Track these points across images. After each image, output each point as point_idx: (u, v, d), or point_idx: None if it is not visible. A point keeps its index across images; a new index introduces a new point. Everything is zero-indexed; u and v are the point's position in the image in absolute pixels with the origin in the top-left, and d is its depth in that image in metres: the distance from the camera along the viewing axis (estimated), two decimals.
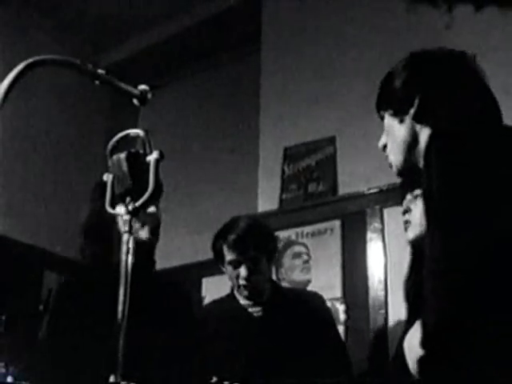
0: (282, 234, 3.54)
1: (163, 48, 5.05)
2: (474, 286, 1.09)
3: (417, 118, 1.44)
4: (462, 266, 1.11)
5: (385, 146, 1.57)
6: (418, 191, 1.97)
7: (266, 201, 3.85)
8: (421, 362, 1.15)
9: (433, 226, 1.22)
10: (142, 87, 1.33)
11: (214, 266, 4.47)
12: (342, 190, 3.60)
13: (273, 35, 4.25)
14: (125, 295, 1.20)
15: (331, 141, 3.73)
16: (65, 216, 4.69)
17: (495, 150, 1.26)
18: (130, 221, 1.26)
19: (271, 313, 2.45)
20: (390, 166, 1.53)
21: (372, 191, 3.40)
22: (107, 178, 1.34)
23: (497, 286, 1.10)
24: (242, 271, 2.42)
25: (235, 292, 2.53)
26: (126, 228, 1.25)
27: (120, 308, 1.20)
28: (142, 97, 1.33)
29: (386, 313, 3.13)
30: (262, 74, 4.20)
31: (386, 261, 3.24)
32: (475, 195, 1.18)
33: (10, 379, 2.23)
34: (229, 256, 2.45)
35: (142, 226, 1.98)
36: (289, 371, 2.25)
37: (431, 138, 1.36)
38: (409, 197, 2.04)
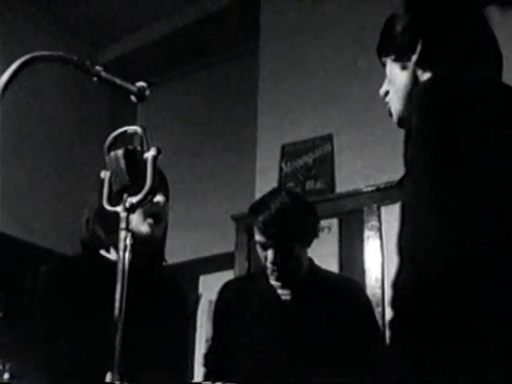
0: None
1: (162, 45, 5.05)
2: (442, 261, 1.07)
3: (419, 64, 1.38)
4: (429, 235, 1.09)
5: (386, 94, 1.48)
6: None
7: None
8: (390, 324, 1.14)
9: (405, 177, 1.18)
10: (140, 84, 1.33)
11: (210, 264, 4.48)
12: (340, 188, 3.60)
13: (271, 33, 4.24)
14: (121, 292, 1.20)
15: (329, 138, 3.73)
16: (62, 212, 4.69)
17: (483, 104, 1.20)
18: (127, 218, 1.25)
19: (301, 297, 2.23)
20: (390, 115, 1.45)
21: (369, 189, 3.40)
22: (104, 174, 1.34)
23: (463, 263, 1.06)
24: (269, 255, 2.17)
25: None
26: (123, 225, 1.25)
27: (117, 305, 1.19)
28: (140, 94, 1.32)
29: (383, 310, 3.13)
30: (260, 71, 4.20)
31: (383, 259, 3.25)
32: (449, 152, 1.12)
33: (6, 376, 2.23)
34: (257, 236, 2.19)
35: (145, 219, 1.85)
36: (314, 363, 2.09)
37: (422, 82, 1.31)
38: None
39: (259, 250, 2.24)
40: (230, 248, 3.93)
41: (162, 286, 1.95)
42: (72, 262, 2.00)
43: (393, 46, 1.45)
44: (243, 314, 2.26)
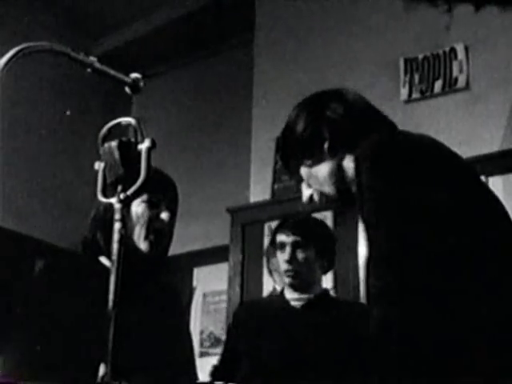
0: (274, 225, 3.54)
1: (156, 37, 5.03)
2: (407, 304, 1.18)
3: (333, 153, 1.49)
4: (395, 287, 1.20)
5: (311, 198, 1.57)
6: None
7: (259, 191, 3.85)
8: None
9: (369, 239, 1.28)
10: (134, 75, 1.32)
11: (205, 256, 4.48)
12: None
13: (266, 26, 4.23)
14: (116, 284, 1.19)
15: None
16: (57, 205, 4.68)
17: (412, 161, 1.29)
18: (122, 209, 1.25)
19: (313, 306, 2.41)
20: (325, 204, 1.56)
21: None
22: (98, 166, 1.33)
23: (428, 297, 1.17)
24: (286, 252, 2.41)
25: (284, 286, 2.51)
26: (118, 216, 1.24)
27: (111, 297, 1.19)
28: (134, 85, 1.32)
29: None
30: (255, 64, 4.20)
31: None
32: (406, 214, 1.23)
33: None
34: (278, 238, 2.46)
35: (147, 235, 1.86)
36: (328, 373, 2.19)
37: (356, 161, 1.39)
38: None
39: (279, 255, 2.44)
40: (225, 241, 3.93)
41: (156, 294, 1.94)
42: (70, 262, 1.97)
43: (302, 151, 1.56)
44: (258, 333, 2.40)
